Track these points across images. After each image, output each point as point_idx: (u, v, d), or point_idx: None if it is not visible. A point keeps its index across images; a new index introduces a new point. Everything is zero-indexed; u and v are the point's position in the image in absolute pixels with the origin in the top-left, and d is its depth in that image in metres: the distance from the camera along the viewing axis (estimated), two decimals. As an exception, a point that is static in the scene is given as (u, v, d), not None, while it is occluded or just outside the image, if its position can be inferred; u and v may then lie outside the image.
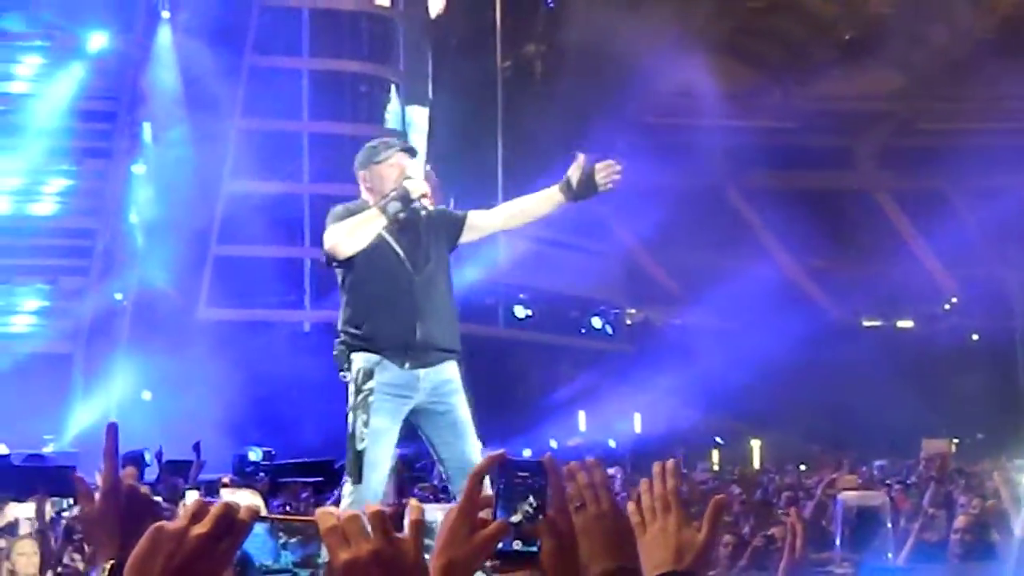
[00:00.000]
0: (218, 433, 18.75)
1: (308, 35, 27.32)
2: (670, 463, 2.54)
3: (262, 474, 17.66)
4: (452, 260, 7.11)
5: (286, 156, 26.69)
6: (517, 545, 2.13)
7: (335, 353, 6.82)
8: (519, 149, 29.18)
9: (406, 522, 1.89)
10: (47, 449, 22.42)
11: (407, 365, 6.66)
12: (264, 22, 26.68)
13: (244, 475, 17.08)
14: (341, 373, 6.77)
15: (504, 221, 7.41)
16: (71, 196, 25.93)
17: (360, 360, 6.69)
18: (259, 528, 1.88)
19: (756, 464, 30.27)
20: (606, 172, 7.08)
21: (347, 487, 6.64)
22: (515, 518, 2.15)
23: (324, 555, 1.81)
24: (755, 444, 33.44)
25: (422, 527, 1.88)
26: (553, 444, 26.63)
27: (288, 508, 13.36)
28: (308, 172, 26.92)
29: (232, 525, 1.81)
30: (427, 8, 28.73)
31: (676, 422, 28.03)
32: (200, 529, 1.81)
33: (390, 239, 6.74)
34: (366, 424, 6.55)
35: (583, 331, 32.06)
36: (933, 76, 34.94)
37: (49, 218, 25.79)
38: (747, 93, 34.25)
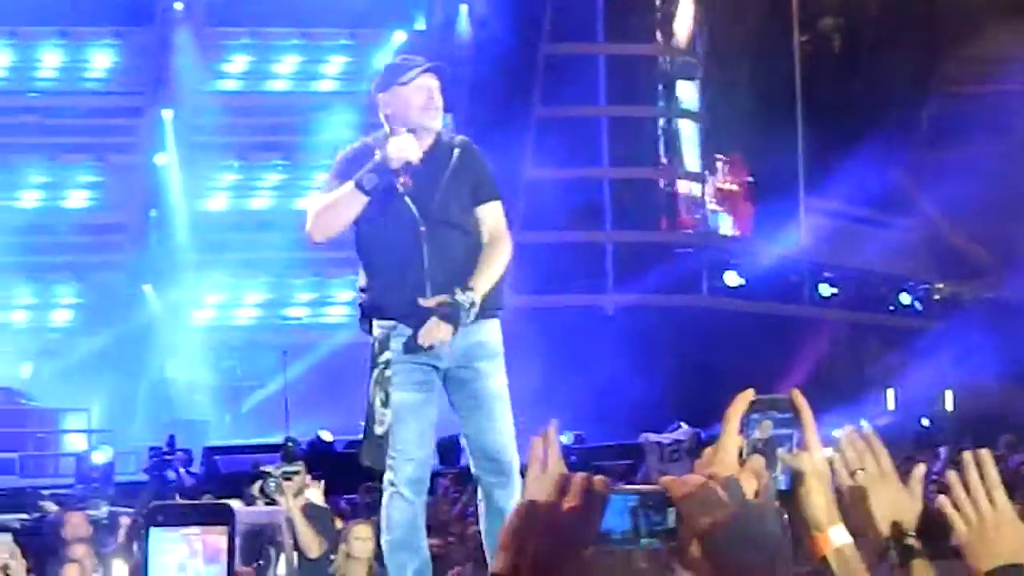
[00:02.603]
0: (528, 417, 19.02)
1: (603, 20, 27.40)
2: (983, 453, 2.44)
3: (572, 457, 17.85)
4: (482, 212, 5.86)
5: (585, 141, 26.81)
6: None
7: (358, 319, 5.93)
8: (819, 125, 28.69)
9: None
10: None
11: None
12: (559, 8, 26.88)
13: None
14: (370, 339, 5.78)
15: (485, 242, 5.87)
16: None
17: (377, 327, 5.72)
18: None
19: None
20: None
21: (387, 475, 5.63)
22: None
23: (671, 522, 1.82)
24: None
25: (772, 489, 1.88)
26: (864, 423, 26.14)
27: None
28: (607, 156, 27.01)
29: (594, 496, 1.84)
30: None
31: (991, 400, 27.15)
32: (571, 502, 1.83)
33: (399, 184, 5.66)
34: (385, 402, 5.57)
35: (891, 308, 31.33)
36: None
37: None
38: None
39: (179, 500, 10.71)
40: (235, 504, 8.35)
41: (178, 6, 25.17)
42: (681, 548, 1.85)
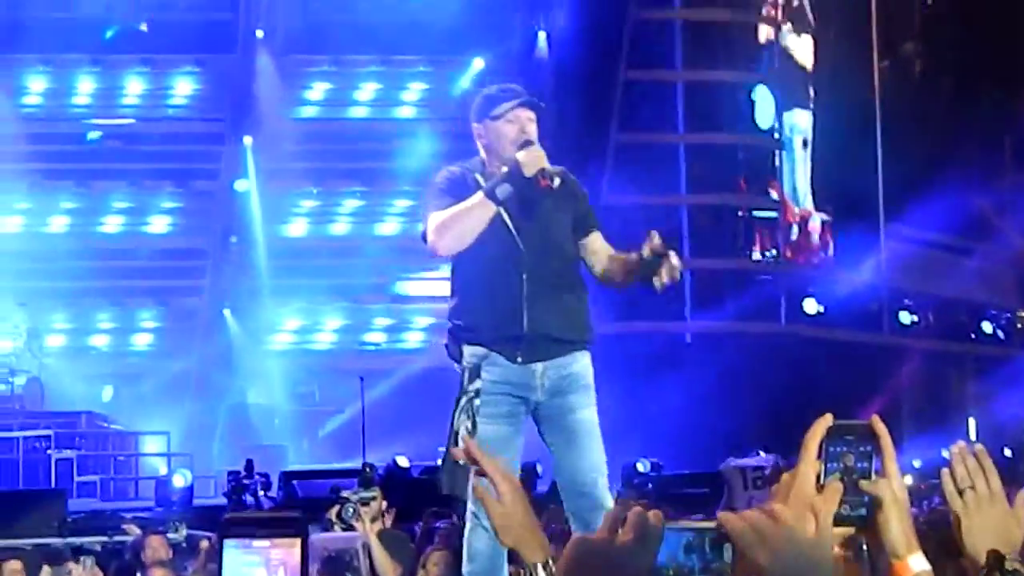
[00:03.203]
0: (607, 444, 18.95)
1: (681, 46, 27.37)
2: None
3: (650, 485, 17.77)
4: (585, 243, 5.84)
5: (663, 168, 26.75)
6: (845, 509, 2.11)
7: (446, 344, 5.86)
8: (900, 151, 28.47)
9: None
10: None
11: (519, 359, 5.58)
12: (638, 35, 26.87)
13: (632, 486, 17.21)
14: (456, 367, 5.73)
15: (601, 268, 5.87)
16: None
17: (468, 354, 5.64)
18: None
19: None
20: (668, 268, 5.57)
21: (470, 504, 5.46)
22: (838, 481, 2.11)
23: (727, 558, 1.81)
24: None
25: (830, 526, 1.87)
26: (944, 454, 25.83)
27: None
28: (685, 183, 26.94)
29: (648, 531, 1.83)
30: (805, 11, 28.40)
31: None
32: (624, 537, 1.82)
33: (502, 209, 5.57)
34: (471, 432, 5.46)
35: (973, 336, 30.97)
36: None
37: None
38: None
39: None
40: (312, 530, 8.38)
41: (259, 33, 25.45)
42: None
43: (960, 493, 2.48)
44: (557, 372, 5.60)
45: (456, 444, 5.54)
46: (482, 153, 5.79)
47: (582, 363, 5.69)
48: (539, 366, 5.59)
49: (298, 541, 2.13)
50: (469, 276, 5.69)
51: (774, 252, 27.50)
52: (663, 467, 19.50)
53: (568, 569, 1.83)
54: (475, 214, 5.53)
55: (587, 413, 5.66)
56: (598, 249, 5.86)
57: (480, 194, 5.53)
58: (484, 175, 5.73)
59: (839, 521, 2.10)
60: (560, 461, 5.66)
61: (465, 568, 5.70)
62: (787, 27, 28.43)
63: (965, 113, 29.90)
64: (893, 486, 2.17)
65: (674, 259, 5.59)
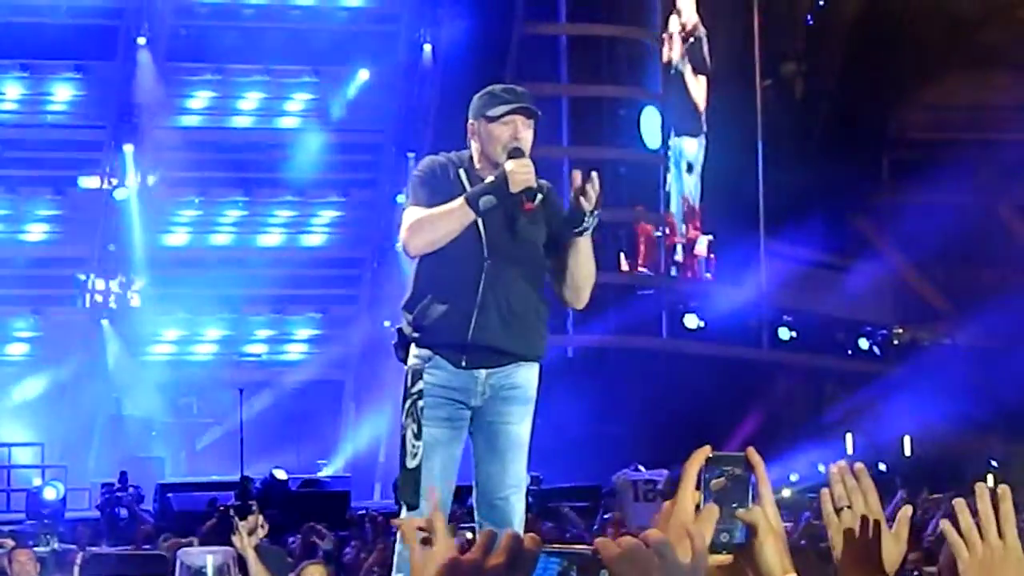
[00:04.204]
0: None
1: (566, 61, 27.48)
2: (1004, 488, 2.45)
3: (530, 499, 17.76)
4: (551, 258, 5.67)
5: (548, 181, 26.82)
6: (724, 537, 2.21)
7: (393, 343, 5.66)
8: (780, 169, 28.84)
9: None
10: (322, 473, 23.07)
11: (463, 363, 5.46)
12: (523, 49, 26.95)
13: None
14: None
15: (560, 285, 5.71)
16: (339, 226, 26.66)
17: (413, 356, 5.52)
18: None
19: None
20: (589, 183, 5.43)
21: (402, 512, 5.45)
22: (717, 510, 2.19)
23: None
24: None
25: (705, 553, 1.87)
26: (821, 468, 26.16)
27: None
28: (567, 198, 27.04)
29: (521, 556, 1.80)
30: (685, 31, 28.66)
31: (948, 444, 27.26)
32: (496, 560, 1.80)
33: (524, 208, 5.49)
34: (417, 435, 5.37)
35: (849, 352, 31.44)
36: None
37: (319, 248, 26.56)
38: (1021, 106, 33.16)
39: (122, 547, 10.59)
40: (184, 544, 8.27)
41: (141, 40, 25.12)
42: None
43: (838, 512, 2.49)
44: (499, 380, 5.51)
45: (405, 448, 5.43)
46: (473, 149, 5.67)
47: (526, 376, 5.60)
48: (482, 372, 5.48)
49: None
50: (428, 275, 5.56)
51: (655, 271, 27.69)
52: (543, 480, 19.52)
53: None
54: (453, 219, 5.42)
55: (520, 427, 5.58)
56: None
57: (461, 200, 5.41)
58: (469, 172, 5.63)
59: (719, 548, 2.19)
60: (481, 469, 5.56)
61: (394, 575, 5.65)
62: (685, 60, 28.73)
63: (844, 133, 30.37)
64: (768, 513, 2.25)
65: (590, 181, 5.41)
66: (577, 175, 5.45)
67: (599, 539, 1.88)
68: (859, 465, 2.53)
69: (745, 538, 2.24)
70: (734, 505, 2.23)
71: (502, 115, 5.60)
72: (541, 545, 1.82)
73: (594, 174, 5.45)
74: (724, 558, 2.25)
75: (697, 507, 2.18)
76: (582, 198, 5.42)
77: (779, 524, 2.29)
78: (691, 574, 1.83)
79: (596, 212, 5.48)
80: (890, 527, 2.51)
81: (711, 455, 2.25)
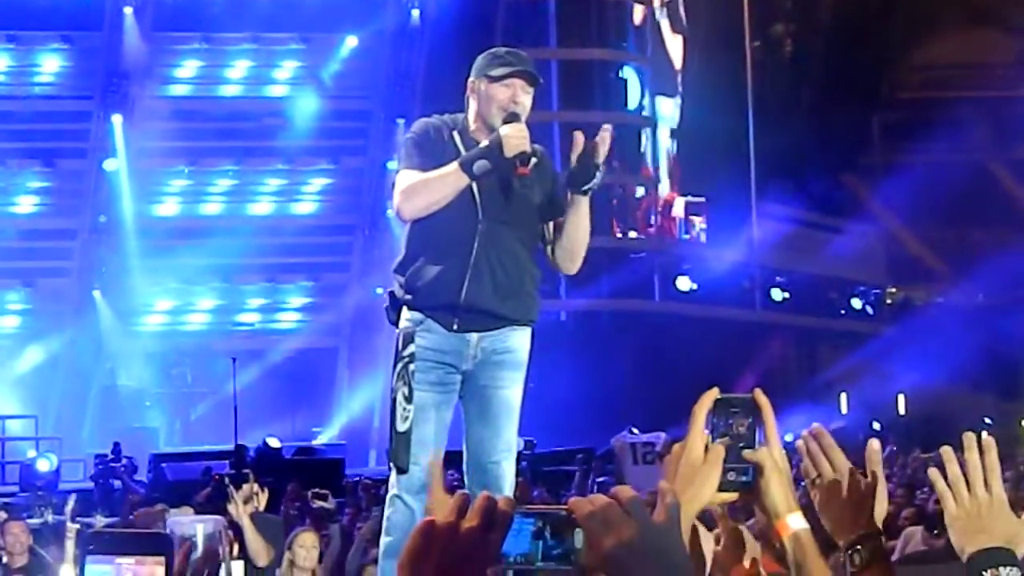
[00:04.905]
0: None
1: (555, 25, 27.40)
2: (988, 439, 2.50)
3: (523, 463, 17.79)
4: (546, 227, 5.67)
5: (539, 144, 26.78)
6: (731, 476, 2.28)
7: (385, 306, 5.63)
8: (771, 131, 28.80)
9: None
10: (317, 441, 23.10)
11: (455, 326, 5.43)
12: (511, 13, 26.87)
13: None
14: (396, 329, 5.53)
15: (551, 247, 5.71)
16: (330, 194, 26.62)
17: (404, 319, 5.48)
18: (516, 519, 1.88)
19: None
20: (600, 138, 5.43)
21: (392, 477, 5.44)
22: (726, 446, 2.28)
23: (579, 542, 1.81)
24: (1027, 424, 32.33)
25: (678, 510, 1.86)
26: (816, 425, 26.21)
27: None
28: (559, 162, 27.01)
29: (495, 517, 1.80)
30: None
31: (942, 403, 27.33)
32: (470, 523, 1.79)
33: (517, 173, 5.44)
34: (408, 398, 5.34)
35: (842, 312, 31.49)
36: None
37: (310, 216, 26.52)
38: (1012, 64, 33.14)
39: (114, 525, 10.57)
40: (180, 511, 8.26)
41: (128, 10, 25.01)
42: (583, 570, 1.83)
43: (812, 483, 2.54)
44: (491, 344, 5.48)
45: (395, 411, 5.39)
46: (469, 109, 5.61)
47: (518, 340, 5.56)
48: (474, 336, 5.45)
49: (163, 559, 2.09)
50: (422, 237, 5.50)
51: (633, 233, 27.67)
52: (536, 444, 19.55)
53: (413, 553, 1.79)
54: (447, 184, 5.38)
55: (511, 392, 5.54)
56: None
57: (455, 165, 5.37)
58: (463, 135, 5.58)
59: (726, 487, 2.27)
60: (472, 433, 5.53)
61: (382, 539, 5.65)
62: (663, 13, 28.63)
63: (834, 94, 30.32)
64: (774, 453, 2.32)
65: (601, 132, 5.41)
66: (579, 135, 5.42)
67: (572, 498, 1.88)
68: (816, 426, 2.60)
69: (752, 478, 2.30)
70: (741, 445, 2.30)
71: (504, 76, 5.53)
72: (515, 506, 1.82)
73: (608, 127, 5.46)
74: (731, 496, 2.32)
75: (706, 448, 2.26)
76: (596, 151, 5.38)
77: (785, 464, 2.35)
78: (665, 531, 1.82)
79: (603, 169, 5.44)
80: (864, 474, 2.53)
81: (719, 397, 2.32)
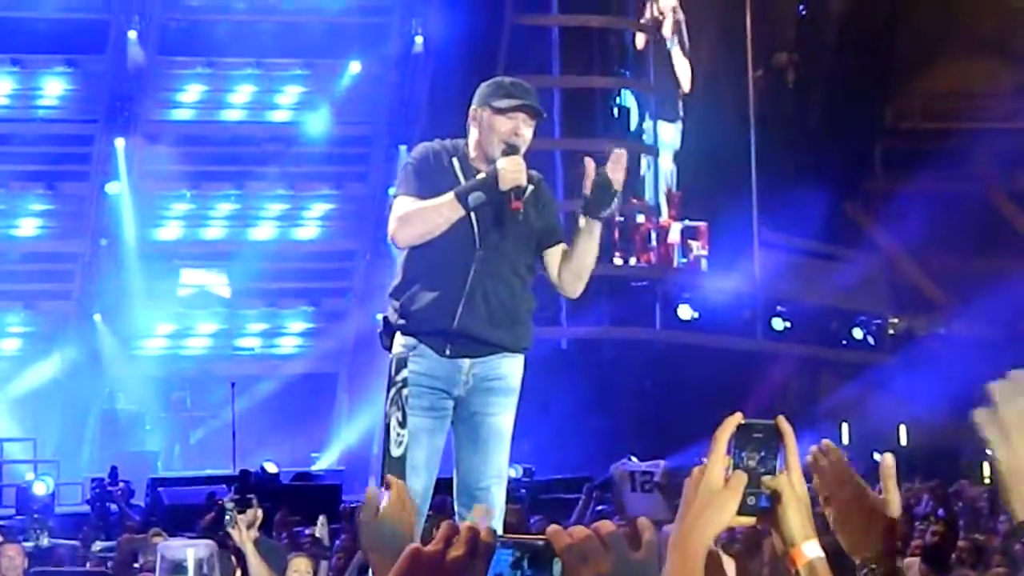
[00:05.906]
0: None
1: (559, 53, 27.45)
2: (825, 443, 2.67)
3: (523, 491, 17.77)
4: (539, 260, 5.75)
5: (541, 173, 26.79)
6: (750, 500, 2.30)
7: (379, 331, 5.70)
8: (774, 159, 28.82)
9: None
10: (315, 467, 23.08)
11: (448, 352, 5.50)
12: (515, 40, 26.93)
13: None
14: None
15: (556, 272, 5.77)
16: (332, 219, 26.65)
17: (398, 343, 5.54)
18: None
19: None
20: (614, 162, 5.54)
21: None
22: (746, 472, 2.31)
23: (557, 574, 1.84)
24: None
25: (656, 545, 1.87)
26: (825, 441, 26.16)
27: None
28: (561, 190, 27.04)
29: (479, 548, 1.82)
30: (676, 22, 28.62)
31: (944, 434, 27.26)
32: (456, 552, 1.81)
33: (511, 207, 5.51)
34: (401, 423, 5.27)
35: (844, 343, 31.46)
36: None
37: (311, 241, 26.55)
38: (1014, 94, 33.19)
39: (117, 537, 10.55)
40: (168, 540, 8.20)
41: (132, 34, 25.08)
42: None
43: (825, 503, 2.63)
44: (483, 371, 5.53)
45: (390, 437, 5.33)
46: (470, 137, 5.68)
47: (510, 367, 5.61)
48: (466, 362, 5.50)
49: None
50: (419, 263, 5.57)
51: (634, 260, 27.66)
52: (535, 472, 19.52)
53: None
54: (442, 215, 5.43)
55: (502, 419, 5.59)
56: (559, 259, 5.75)
57: (451, 196, 5.42)
58: (463, 161, 5.64)
59: (744, 511, 2.30)
60: (462, 459, 5.58)
61: None
62: (674, 39, 28.68)
63: (837, 122, 30.35)
64: (793, 481, 2.35)
65: (615, 157, 5.53)
66: (590, 162, 5.53)
67: (551, 528, 1.91)
68: (825, 441, 2.65)
69: (770, 504, 2.33)
70: (761, 471, 2.33)
71: (508, 108, 5.58)
72: (496, 537, 1.84)
73: (623, 151, 5.59)
74: (748, 520, 2.34)
75: (726, 472, 2.29)
76: (613, 176, 5.46)
77: (804, 492, 2.38)
78: (642, 567, 1.83)
79: (617, 193, 5.51)
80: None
81: (742, 422, 2.35)
